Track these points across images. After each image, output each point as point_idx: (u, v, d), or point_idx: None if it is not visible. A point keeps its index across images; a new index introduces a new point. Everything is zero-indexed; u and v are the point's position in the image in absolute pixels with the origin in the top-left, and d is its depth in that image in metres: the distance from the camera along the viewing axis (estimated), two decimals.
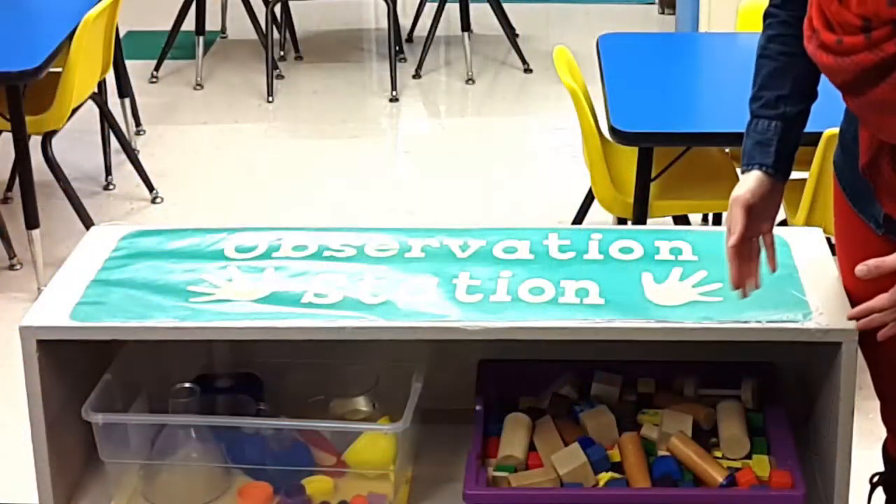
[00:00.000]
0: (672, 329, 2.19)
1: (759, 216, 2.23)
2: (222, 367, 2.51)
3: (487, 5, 6.41)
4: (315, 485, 2.32)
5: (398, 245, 2.46)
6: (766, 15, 2.27)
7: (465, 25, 6.27)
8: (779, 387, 2.42)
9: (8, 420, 3.66)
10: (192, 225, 2.56)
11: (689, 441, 2.30)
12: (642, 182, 3.71)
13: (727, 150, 4.14)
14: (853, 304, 2.22)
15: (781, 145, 2.24)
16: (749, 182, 2.23)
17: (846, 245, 2.33)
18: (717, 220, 4.40)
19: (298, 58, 6.63)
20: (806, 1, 2.11)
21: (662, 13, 7.17)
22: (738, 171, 2.23)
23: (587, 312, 2.22)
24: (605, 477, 2.27)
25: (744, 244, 2.20)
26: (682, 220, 3.98)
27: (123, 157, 5.17)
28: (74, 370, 2.33)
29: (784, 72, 2.24)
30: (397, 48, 6.34)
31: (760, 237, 2.24)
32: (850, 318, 2.15)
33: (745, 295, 2.22)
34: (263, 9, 6.18)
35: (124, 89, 5.40)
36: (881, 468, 2.59)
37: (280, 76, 6.33)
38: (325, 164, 5.47)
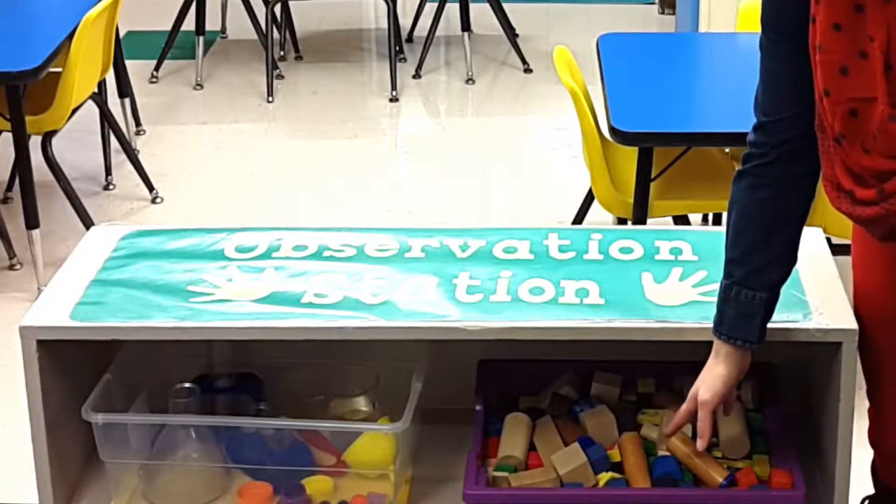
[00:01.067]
0: (672, 329, 2.19)
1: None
2: (222, 367, 2.51)
3: (487, 5, 6.41)
4: (315, 485, 2.32)
5: (398, 245, 2.46)
6: (746, 174, 2.12)
7: (465, 25, 6.27)
8: (779, 387, 2.42)
9: (8, 420, 3.66)
10: (192, 225, 2.56)
11: (689, 441, 2.30)
12: (642, 182, 3.71)
13: (727, 150, 4.14)
14: (856, 303, 2.21)
15: (766, 316, 2.13)
16: (717, 373, 2.14)
17: (862, 246, 2.29)
18: (717, 220, 4.40)
19: (298, 58, 6.63)
20: (796, 156, 2.06)
21: (662, 13, 7.17)
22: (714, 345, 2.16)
23: (587, 312, 2.22)
24: (605, 477, 2.26)
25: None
26: (682, 220, 3.98)
27: (123, 157, 5.17)
28: (74, 370, 2.33)
29: (774, 236, 2.11)
30: (397, 48, 6.34)
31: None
32: None
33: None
34: (263, 9, 6.18)
35: (124, 89, 5.40)
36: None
37: (280, 76, 6.33)
38: (325, 164, 5.47)
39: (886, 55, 1.86)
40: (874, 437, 2.38)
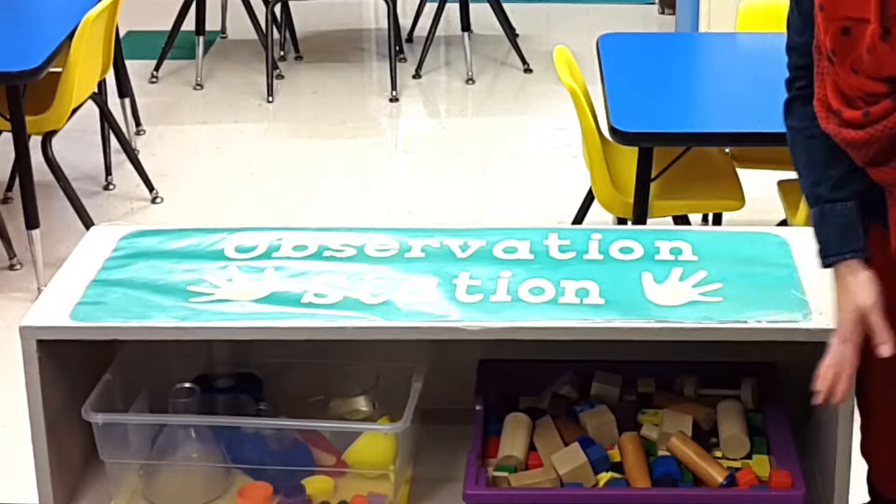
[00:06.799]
0: (672, 329, 2.19)
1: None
2: (222, 367, 2.51)
3: (487, 5, 6.41)
4: (315, 485, 2.32)
5: (398, 245, 2.46)
6: (796, 100, 2.16)
7: (465, 25, 6.27)
8: (779, 387, 2.42)
9: (8, 420, 3.67)
10: (192, 225, 2.56)
11: (689, 441, 2.30)
12: (642, 182, 3.71)
13: (727, 150, 4.14)
14: None
15: (862, 224, 2.12)
16: (862, 279, 2.09)
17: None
18: (717, 220, 4.40)
19: (298, 58, 6.63)
20: None
21: (662, 13, 7.17)
22: (820, 264, 2.14)
23: (587, 312, 2.22)
24: (605, 477, 2.27)
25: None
26: (682, 220, 3.98)
27: (123, 157, 5.17)
28: (74, 370, 2.33)
29: (840, 149, 2.10)
30: (397, 48, 6.34)
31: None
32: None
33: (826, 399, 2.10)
34: (263, 9, 6.18)
35: (124, 89, 5.40)
36: None
37: (280, 76, 6.33)
38: (325, 164, 5.47)
39: None
40: (865, 448, 2.37)
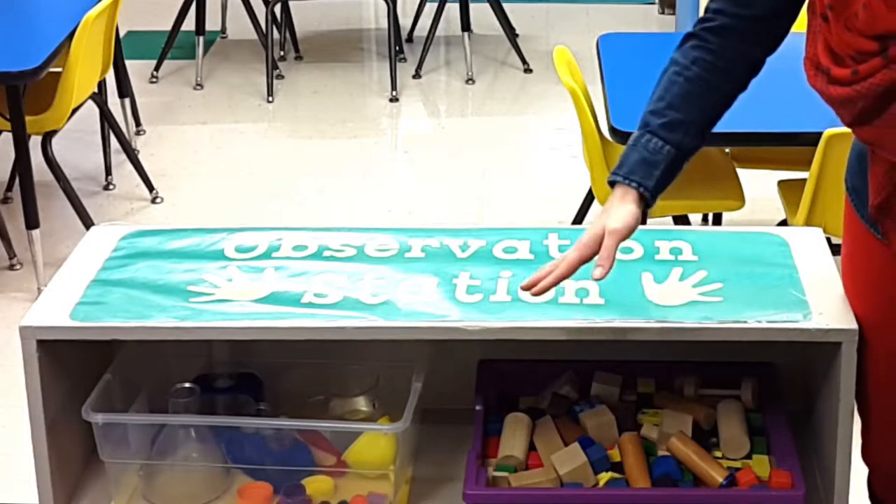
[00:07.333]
0: (672, 329, 2.19)
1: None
2: (222, 367, 2.51)
3: (487, 5, 6.41)
4: (315, 485, 2.32)
5: (398, 245, 2.46)
6: (693, 36, 2.20)
7: (465, 25, 6.27)
8: (779, 387, 2.42)
9: (8, 420, 3.67)
10: (192, 225, 2.56)
11: (689, 441, 2.30)
12: None
13: (727, 150, 4.14)
14: (856, 320, 2.20)
15: (667, 174, 2.17)
16: (626, 208, 2.14)
17: (856, 265, 2.26)
18: (717, 220, 4.40)
19: (298, 58, 6.63)
20: (746, 36, 2.13)
21: (662, 13, 7.17)
22: (612, 181, 2.18)
23: (587, 312, 2.22)
24: (605, 477, 2.27)
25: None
26: (682, 220, 3.98)
27: (123, 157, 5.17)
28: (74, 370, 2.33)
29: (697, 100, 2.17)
30: (397, 48, 6.35)
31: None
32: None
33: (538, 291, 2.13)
34: (263, 9, 6.18)
35: (124, 89, 5.41)
36: None
37: (280, 76, 6.33)
38: (325, 164, 5.47)
39: None
40: (866, 453, 2.36)
